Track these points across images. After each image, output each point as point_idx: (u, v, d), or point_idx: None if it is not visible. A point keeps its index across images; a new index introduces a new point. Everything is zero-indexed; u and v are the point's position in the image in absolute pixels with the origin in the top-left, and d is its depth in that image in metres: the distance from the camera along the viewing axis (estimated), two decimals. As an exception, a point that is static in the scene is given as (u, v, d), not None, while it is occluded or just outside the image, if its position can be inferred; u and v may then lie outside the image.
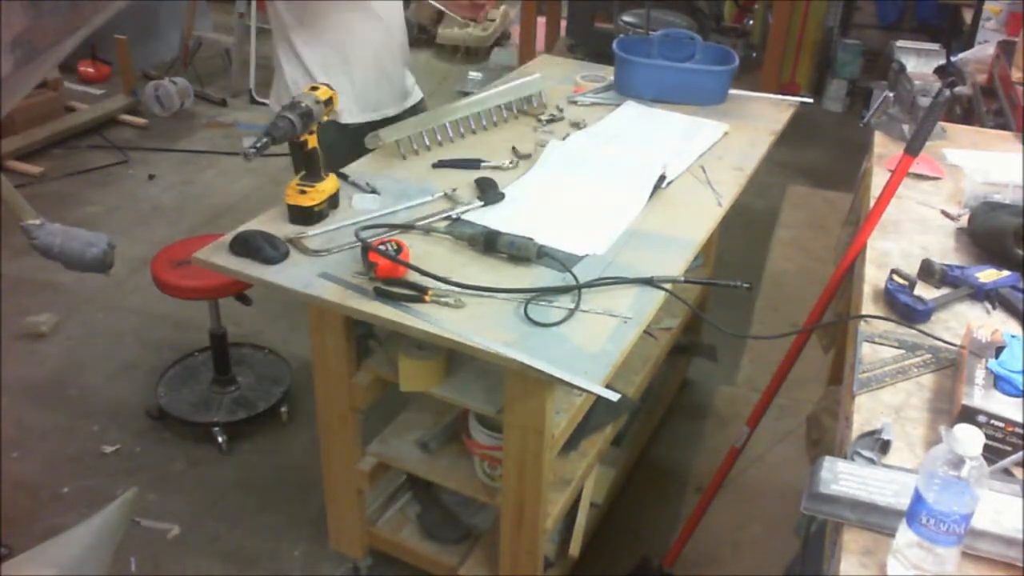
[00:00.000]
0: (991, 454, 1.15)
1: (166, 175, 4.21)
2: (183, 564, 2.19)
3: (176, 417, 2.58)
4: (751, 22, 5.86)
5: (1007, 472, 1.16)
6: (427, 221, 1.80)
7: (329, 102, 1.79)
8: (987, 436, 1.11)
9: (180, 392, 2.68)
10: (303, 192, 1.77)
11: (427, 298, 1.55)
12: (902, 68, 2.36)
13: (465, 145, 2.18)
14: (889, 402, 1.30)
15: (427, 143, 2.13)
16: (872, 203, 1.76)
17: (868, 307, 1.53)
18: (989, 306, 1.55)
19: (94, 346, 2.97)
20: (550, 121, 2.35)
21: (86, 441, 2.55)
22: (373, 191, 1.92)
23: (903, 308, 1.49)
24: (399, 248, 1.61)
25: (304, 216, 1.77)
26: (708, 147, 2.19)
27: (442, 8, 2.08)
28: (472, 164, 2.07)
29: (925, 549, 0.97)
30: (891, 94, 2.34)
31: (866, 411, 1.28)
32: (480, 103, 2.27)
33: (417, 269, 1.60)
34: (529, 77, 2.43)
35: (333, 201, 1.82)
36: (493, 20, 6.04)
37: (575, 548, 2.00)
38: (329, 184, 1.80)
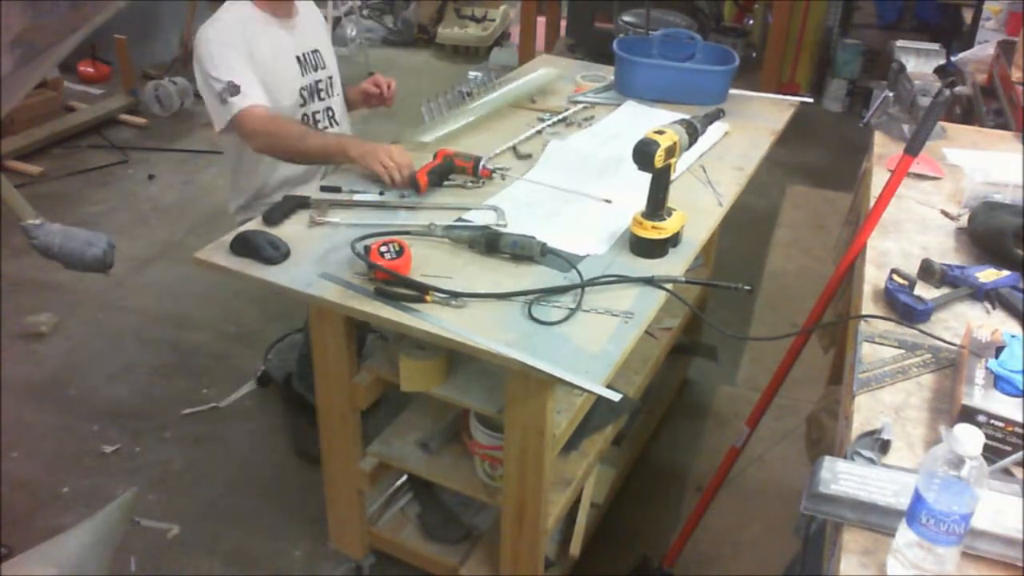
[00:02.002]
0: (991, 454, 1.15)
1: (166, 175, 4.21)
2: (183, 564, 2.19)
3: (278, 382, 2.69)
4: (751, 22, 5.86)
5: (1007, 472, 1.16)
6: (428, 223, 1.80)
7: None
8: (987, 436, 1.11)
9: (286, 361, 2.72)
10: (655, 227, 1.73)
11: (428, 298, 1.55)
12: (902, 68, 2.37)
13: (469, 145, 2.19)
14: (889, 402, 1.30)
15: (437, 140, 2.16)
16: (872, 203, 1.76)
17: (868, 307, 1.53)
18: (989, 306, 1.55)
19: (94, 346, 2.97)
20: (554, 123, 2.35)
21: (86, 441, 2.55)
22: (381, 193, 1.93)
23: (903, 308, 1.49)
24: (401, 249, 1.61)
25: (652, 249, 1.74)
26: (708, 147, 2.19)
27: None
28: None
29: (925, 549, 0.97)
30: (891, 94, 2.34)
31: (866, 411, 1.28)
32: (493, 103, 2.36)
33: (417, 284, 1.60)
34: (534, 74, 2.49)
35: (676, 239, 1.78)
36: (493, 20, 6.04)
37: (575, 548, 2.00)
38: (676, 221, 1.76)
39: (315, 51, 2.30)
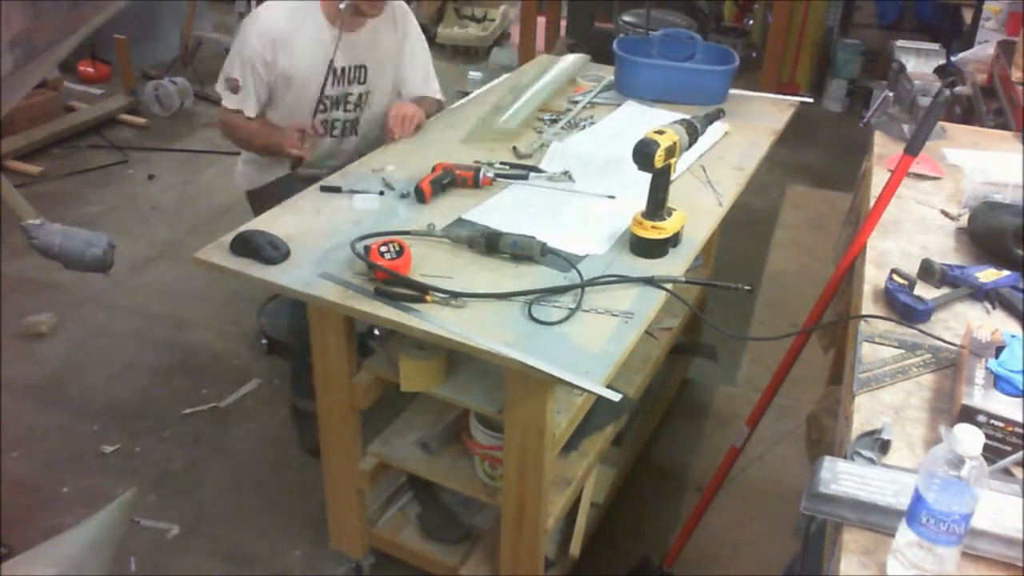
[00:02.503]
0: (991, 454, 1.15)
1: (166, 175, 4.21)
2: (183, 564, 2.18)
3: (280, 341, 2.85)
4: (751, 22, 5.86)
5: (1007, 472, 1.16)
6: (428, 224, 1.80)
7: None
8: (987, 436, 1.11)
9: (279, 319, 2.87)
10: (655, 227, 1.73)
11: (428, 298, 1.55)
12: (902, 68, 2.37)
13: (470, 146, 2.19)
14: (889, 402, 1.30)
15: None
16: (872, 203, 1.76)
17: (868, 307, 1.53)
18: (989, 306, 1.55)
19: (94, 346, 2.97)
20: (553, 122, 2.35)
21: (86, 441, 2.55)
22: (381, 193, 1.93)
23: (903, 308, 1.49)
24: (401, 249, 1.61)
25: (652, 249, 1.75)
26: (708, 147, 2.19)
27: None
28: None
29: (925, 549, 0.97)
30: (891, 94, 2.34)
31: (866, 411, 1.28)
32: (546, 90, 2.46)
33: (417, 284, 1.60)
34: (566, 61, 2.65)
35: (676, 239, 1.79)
36: (493, 20, 6.03)
37: (575, 548, 2.00)
38: (676, 221, 1.76)
39: (360, 67, 2.35)
